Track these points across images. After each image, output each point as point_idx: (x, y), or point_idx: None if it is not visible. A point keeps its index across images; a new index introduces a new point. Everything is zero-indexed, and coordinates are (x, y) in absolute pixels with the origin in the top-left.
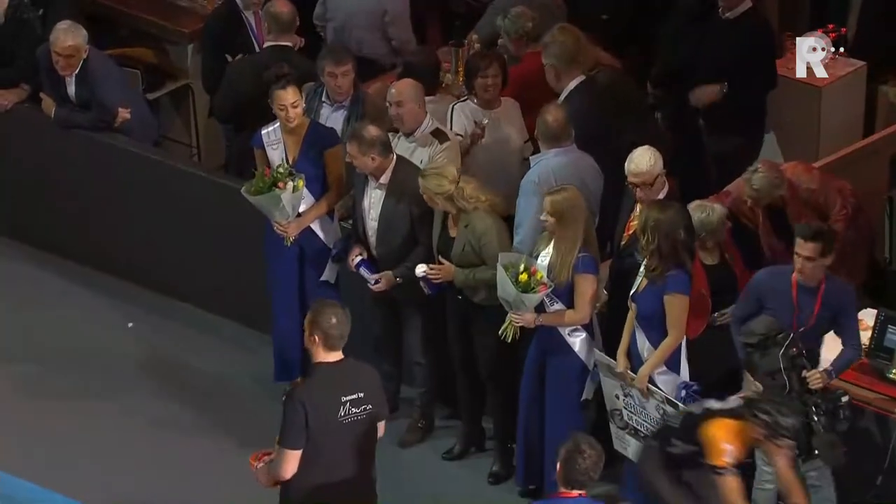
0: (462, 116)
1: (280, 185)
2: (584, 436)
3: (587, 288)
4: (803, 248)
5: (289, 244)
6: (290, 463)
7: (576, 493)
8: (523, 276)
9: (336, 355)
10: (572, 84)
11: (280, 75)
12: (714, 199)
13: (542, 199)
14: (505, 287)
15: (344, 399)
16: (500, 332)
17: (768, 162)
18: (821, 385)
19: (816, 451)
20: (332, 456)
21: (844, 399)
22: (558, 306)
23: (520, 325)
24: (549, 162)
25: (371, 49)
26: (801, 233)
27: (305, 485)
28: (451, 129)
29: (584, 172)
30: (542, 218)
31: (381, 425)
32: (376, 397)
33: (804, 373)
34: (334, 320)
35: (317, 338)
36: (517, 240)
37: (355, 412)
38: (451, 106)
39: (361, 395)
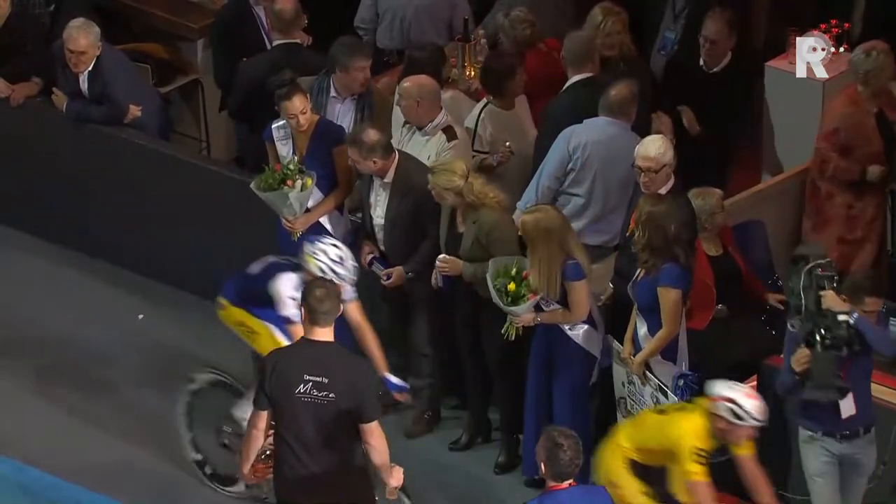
0: (489, 124)
1: (289, 182)
2: (555, 428)
3: (579, 294)
4: (875, 303)
5: (295, 239)
6: (253, 421)
7: (566, 483)
8: (511, 286)
9: (322, 333)
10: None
11: (282, 83)
12: (823, 137)
13: (563, 149)
14: (494, 298)
15: (307, 377)
16: (502, 331)
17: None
18: (831, 305)
19: (812, 374)
20: (295, 430)
21: (846, 317)
22: (554, 306)
23: (520, 325)
24: (590, 124)
25: (433, 38)
26: (863, 289)
27: (280, 458)
28: (476, 132)
29: (615, 152)
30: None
31: (369, 430)
32: (348, 390)
33: (821, 292)
34: (318, 293)
35: (303, 311)
36: (532, 183)
37: (316, 394)
38: (479, 112)
39: (326, 380)
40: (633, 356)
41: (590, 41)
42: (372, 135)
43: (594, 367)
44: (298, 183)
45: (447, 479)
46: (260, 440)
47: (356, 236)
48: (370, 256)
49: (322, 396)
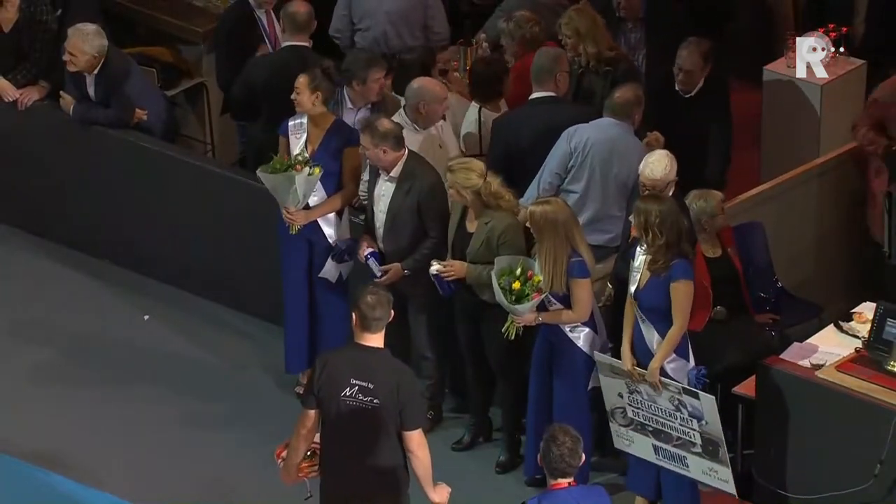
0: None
1: (298, 167)
2: (560, 425)
3: (582, 292)
4: None
5: (294, 232)
6: (302, 420)
7: (565, 482)
8: (516, 284)
9: (371, 339)
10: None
11: (325, 68)
12: (863, 113)
13: (565, 146)
14: (498, 296)
15: (353, 381)
16: (502, 330)
17: None
18: None
19: None
20: (338, 432)
21: None
22: (557, 306)
23: (520, 324)
24: (597, 124)
25: (409, 41)
26: None
27: (324, 457)
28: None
29: (616, 153)
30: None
31: (412, 438)
32: (394, 398)
33: None
34: (370, 299)
35: (355, 316)
36: (534, 180)
37: (361, 398)
38: (477, 115)
39: (372, 386)
40: (637, 366)
41: (555, 59)
42: (386, 123)
43: (594, 371)
44: (306, 170)
45: (449, 478)
46: (309, 440)
47: (354, 242)
48: (368, 251)
49: (367, 401)
